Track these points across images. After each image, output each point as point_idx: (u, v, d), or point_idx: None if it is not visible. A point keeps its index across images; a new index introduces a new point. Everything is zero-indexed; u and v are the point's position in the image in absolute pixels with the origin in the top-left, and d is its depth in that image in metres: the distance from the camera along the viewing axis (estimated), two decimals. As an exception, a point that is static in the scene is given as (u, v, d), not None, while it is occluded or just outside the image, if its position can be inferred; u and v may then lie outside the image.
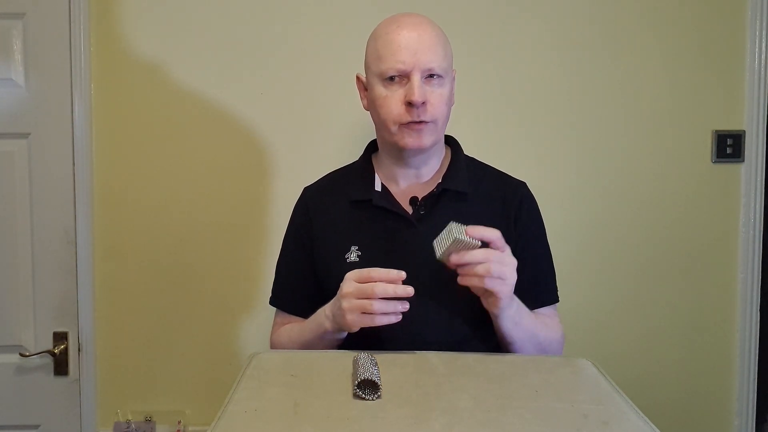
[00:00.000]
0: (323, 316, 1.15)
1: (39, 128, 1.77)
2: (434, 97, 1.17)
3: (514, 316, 1.12)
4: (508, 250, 1.08)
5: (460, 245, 1.03)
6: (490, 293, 1.07)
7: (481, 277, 1.04)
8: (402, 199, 1.24)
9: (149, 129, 1.81)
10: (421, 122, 1.17)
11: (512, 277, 1.07)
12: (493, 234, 1.05)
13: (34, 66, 1.76)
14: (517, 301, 1.13)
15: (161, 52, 1.79)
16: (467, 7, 1.79)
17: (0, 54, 1.75)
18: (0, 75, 1.76)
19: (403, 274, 1.06)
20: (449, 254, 1.04)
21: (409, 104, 1.15)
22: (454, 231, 1.03)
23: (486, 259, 1.04)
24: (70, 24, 1.75)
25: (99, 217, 1.82)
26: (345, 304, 1.07)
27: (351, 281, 1.08)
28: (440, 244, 1.05)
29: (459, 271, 1.06)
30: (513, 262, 1.07)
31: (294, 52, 1.80)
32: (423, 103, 1.15)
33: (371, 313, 1.05)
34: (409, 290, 1.05)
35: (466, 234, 1.03)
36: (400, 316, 1.07)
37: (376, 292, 1.04)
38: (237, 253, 1.82)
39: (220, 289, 1.83)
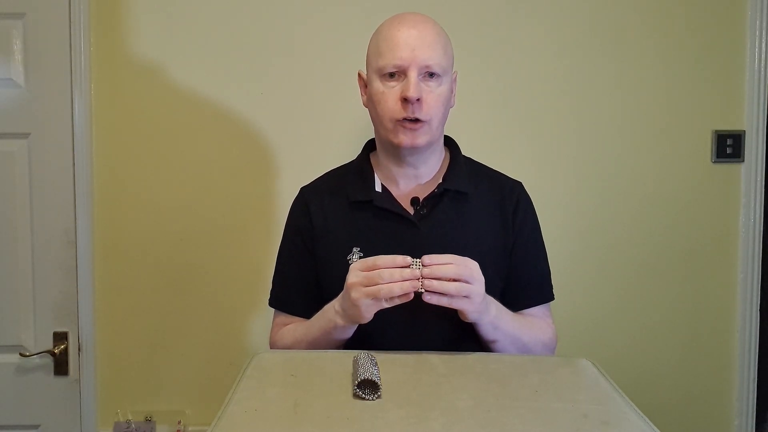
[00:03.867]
0: (333, 311, 1.14)
1: (39, 128, 1.77)
2: (431, 95, 1.17)
3: (493, 321, 1.12)
4: (475, 265, 1.06)
5: None
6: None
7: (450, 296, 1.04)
8: (402, 199, 1.24)
9: (149, 129, 1.81)
10: (416, 121, 1.16)
11: (478, 294, 1.06)
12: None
13: (34, 66, 1.76)
14: (495, 306, 1.13)
15: (161, 52, 1.79)
16: (468, 9, 1.79)
17: (0, 54, 1.75)
18: (0, 75, 1.76)
19: (408, 259, 1.05)
20: None
21: (405, 100, 1.15)
22: None
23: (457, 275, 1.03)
24: (70, 24, 1.75)
25: (99, 217, 1.82)
26: (354, 294, 1.06)
27: (356, 271, 1.08)
28: None
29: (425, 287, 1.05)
30: (481, 279, 1.06)
31: (294, 51, 1.80)
32: (418, 99, 1.15)
33: (381, 299, 1.05)
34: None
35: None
36: (412, 295, 1.05)
37: (383, 277, 1.04)
38: (237, 253, 1.82)
39: (220, 288, 1.83)
